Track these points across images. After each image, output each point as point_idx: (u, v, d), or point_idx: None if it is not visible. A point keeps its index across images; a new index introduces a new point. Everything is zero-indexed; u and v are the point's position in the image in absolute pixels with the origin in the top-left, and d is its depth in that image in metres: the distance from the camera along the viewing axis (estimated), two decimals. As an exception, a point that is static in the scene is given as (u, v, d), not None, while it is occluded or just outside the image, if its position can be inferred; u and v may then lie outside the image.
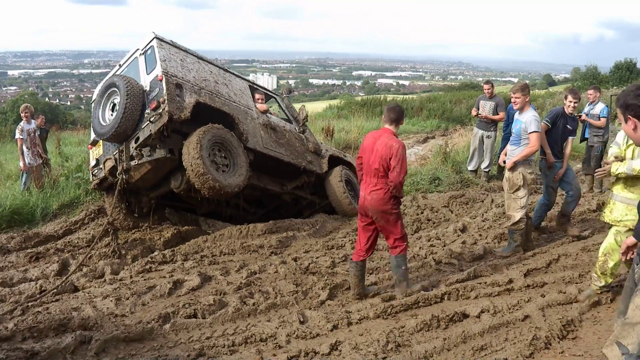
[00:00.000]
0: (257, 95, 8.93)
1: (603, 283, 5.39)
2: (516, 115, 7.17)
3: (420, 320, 5.01)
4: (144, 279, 6.34)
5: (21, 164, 10.96)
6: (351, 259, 5.84)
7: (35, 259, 7.55)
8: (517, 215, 7.00)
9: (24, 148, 10.89)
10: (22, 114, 11.05)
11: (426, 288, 5.89)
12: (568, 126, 7.71)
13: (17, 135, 10.94)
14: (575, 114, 7.92)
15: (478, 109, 11.78)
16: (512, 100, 7.08)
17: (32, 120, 11.25)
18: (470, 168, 12.44)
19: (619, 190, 5.27)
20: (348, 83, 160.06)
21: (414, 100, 33.92)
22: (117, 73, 7.85)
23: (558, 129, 7.69)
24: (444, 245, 7.62)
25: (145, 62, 7.43)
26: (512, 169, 6.97)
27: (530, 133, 6.82)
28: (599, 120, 10.54)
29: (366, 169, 5.70)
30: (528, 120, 6.83)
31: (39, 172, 10.97)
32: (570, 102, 7.66)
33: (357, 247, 5.86)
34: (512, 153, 7.04)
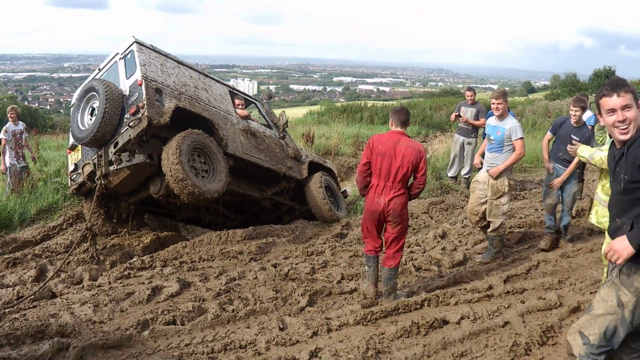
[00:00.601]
0: (237, 101, 8.92)
1: None
2: (492, 122, 7.09)
3: (400, 326, 5.01)
4: (123, 285, 6.26)
5: (1, 165, 10.84)
6: (369, 256, 5.81)
7: (13, 265, 7.43)
8: (498, 221, 7.02)
9: (7, 148, 10.78)
10: (9, 115, 11.01)
11: (409, 295, 5.90)
12: (572, 135, 7.17)
13: (1, 136, 10.84)
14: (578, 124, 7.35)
15: (458, 115, 11.71)
16: (495, 106, 6.95)
17: (20, 122, 11.17)
18: (450, 174, 12.47)
19: (599, 191, 5.33)
20: (329, 89, 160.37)
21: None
22: (97, 77, 7.79)
23: (561, 138, 7.42)
24: (424, 252, 7.64)
25: (125, 66, 7.40)
26: (497, 176, 6.94)
27: (516, 140, 6.81)
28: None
29: (384, 174, 5.55)
30: (512, 128, 6.82)
31: (16, 175, 10.84)
32: (571, 110, 7.28)
33: (375, 245, 5.78)
34: (495, 160, 6.97)
